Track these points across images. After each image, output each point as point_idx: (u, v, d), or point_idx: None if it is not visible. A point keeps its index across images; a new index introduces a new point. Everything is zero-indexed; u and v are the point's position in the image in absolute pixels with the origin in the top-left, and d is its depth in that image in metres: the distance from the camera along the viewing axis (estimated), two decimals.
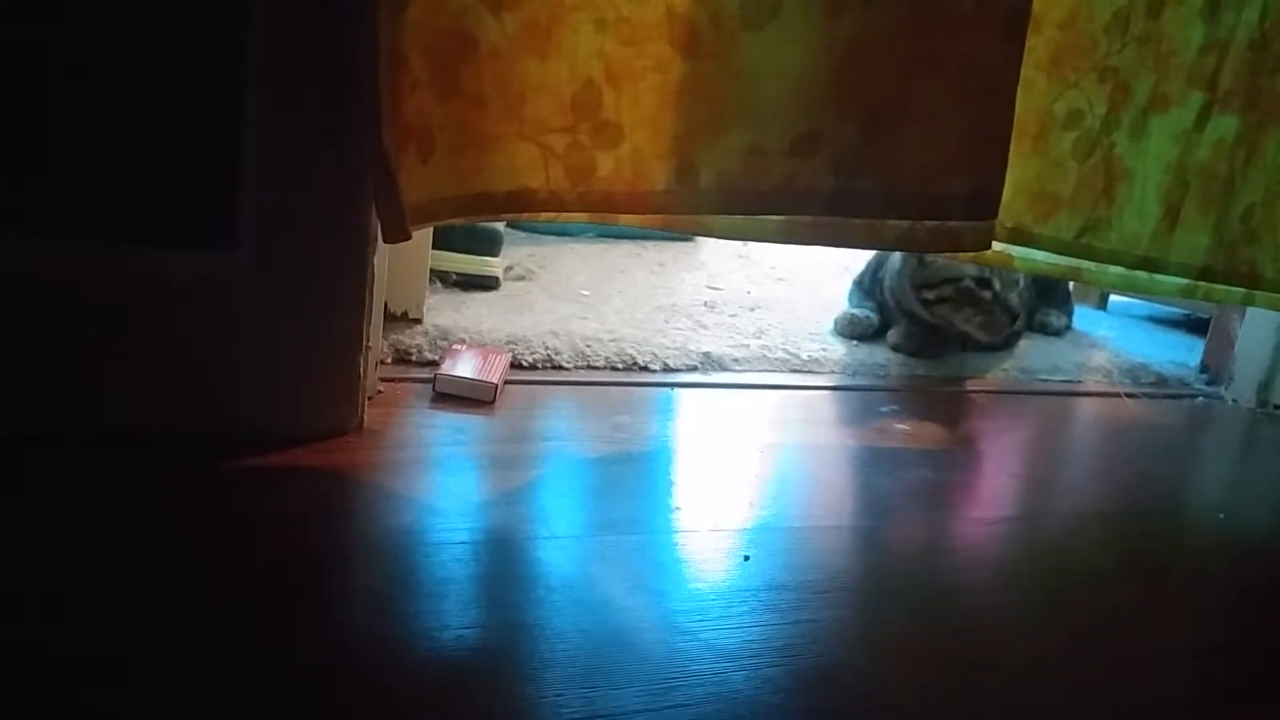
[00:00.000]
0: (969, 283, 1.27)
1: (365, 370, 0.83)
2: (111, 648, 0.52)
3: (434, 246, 1.22)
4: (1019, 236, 0.99)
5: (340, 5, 0.72)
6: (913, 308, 1.34)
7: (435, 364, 1.03)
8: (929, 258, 1.31)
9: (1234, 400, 1.39)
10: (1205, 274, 1.09)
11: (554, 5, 0.73)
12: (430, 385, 0.99)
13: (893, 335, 1.39)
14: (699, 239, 2.05)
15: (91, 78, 0.72)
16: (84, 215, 0.74)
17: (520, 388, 1.05)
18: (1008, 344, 1.45)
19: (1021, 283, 1.31)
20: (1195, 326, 1.77)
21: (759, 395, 1.17)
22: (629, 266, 1.76)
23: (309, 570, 0.63)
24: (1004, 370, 1.37)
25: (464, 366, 1.00)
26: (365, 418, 0.85)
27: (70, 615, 0.54)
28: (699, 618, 0.62)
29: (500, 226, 1.43)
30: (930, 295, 1.31)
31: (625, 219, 0.83)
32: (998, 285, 1.27)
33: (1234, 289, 1.14)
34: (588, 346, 1.16)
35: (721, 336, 1.32)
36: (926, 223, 0.83)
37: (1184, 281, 1.11)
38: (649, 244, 1.99)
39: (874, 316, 1.42)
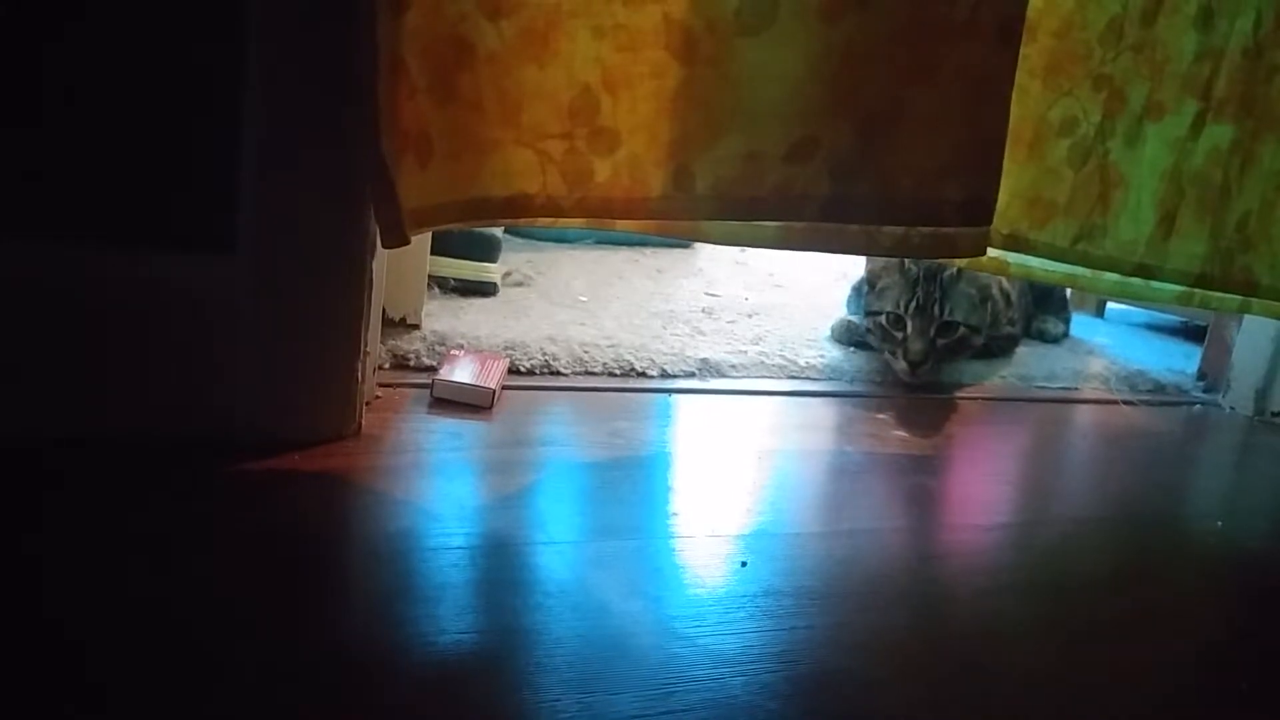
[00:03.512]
0: (883, 319, 1.30)
1: (363, 375, 0.83)
2: (110, 648, 0.52)
3: (432, 252, 1.23)
4: (1015, 243, 0.99)
5: (339, 10, 0.72)
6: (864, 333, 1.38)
7: (433, 369, 1.03)
8: (879, 285, 1.33)
9: (1231, 408, 1.39)
10: (1201, 281, 1.09)
11: (551, 12, 0.73)
12: (428, 390, 0.99)
13: None
14: (697, 245, 2.05)
15: (91, 83, 0.72)
16: (83, 219, 0.74)
17: (518, 393, 1.05)
18: (1004, 353, 1.46)
19: (961, 329, 1.30)
20: (1192, 334, 1.77)
21: (756, 401, 1.17)
22: (626, 272, 1.76)
23: (306, 574, 0.63)
24: (1001, 377, 1.37)
25: (462, 372, 1.00)
26: (363, 422, 0.85)
27: (70, 617, 0.54)
28: (696, 623, 0.62)
29: (498, 232, 1.43)
30: (867, 324, 1.35)
31: (622, 224, 0.84)
32: (909, 327, 1.27)
33: (1230, 296, 1.14)
34: (585, 352, 1.16)
35: (719, 342, 1.32)
36: (922, 229, 0.83)
37: (1180, 288, 1.11)
38: (646, 250, 1.99)
39: None
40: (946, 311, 1.28)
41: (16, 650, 0.51)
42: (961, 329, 1.30)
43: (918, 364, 1.26)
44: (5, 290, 0.72)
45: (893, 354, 1.30)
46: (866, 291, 1.36)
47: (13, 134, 0.72)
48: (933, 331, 1.27)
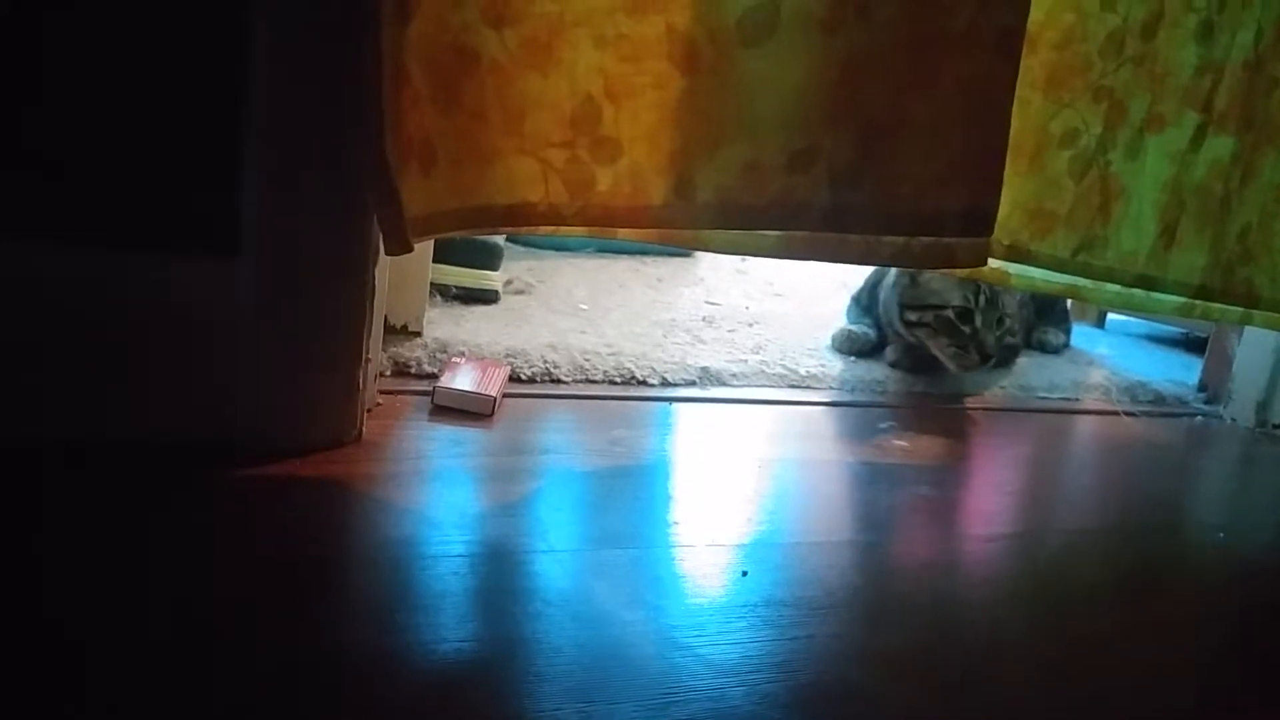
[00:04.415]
0: (949, 313, 1.29)
1: (364, 382, 0.83)
2: (109, 656, 0.52)
3: (434, 260, 1.23)
4: (1016, 254, 0.99)
5: (343, 18, 0.72)
6: (896, 326, 1.36)
7: (434, 377, 1.03)
8: (922, 280, 1.32)
9: (1232, 419, 1.39)
10: (1202, 293, 1.09)
11: (554, 22, 0.74)
12: (429, 398, 0.99)
13: (890, 351, 1.39)
14: (697, 254, 2.06)
15: (95, 88, 0.72)
16: (85, 224, 0.74)
17: (518, 401, 1.05)
18: (1005, 362, 1.46)
19: (1006, 320, 1.31)
20: (1193, 345, 1.77)
21: (757, 410, 1.17)
22: (627, 281, 1.76)
23: (306, 581, 0.63)
24: (1002, 387, 1.37)
25: (463, 379, 1.00)
26: (364, 429, 0.85)
27: (69, 622, 0.54)
28: (697, 633, 0.62)
29: (500, 240, 1.44)
30: (913, 317, 1.33)
31: (624, 233, 0.84)
32: (978, 321, 1.27)
33: (1231, 308, 1.14)
34: (586, 360, 1.16)
35: (720, 351, 1.32)
36: (922, 239, 0.83)
37: (1181, 300, 1.11)
38: (647, 259, 1.99)
39: (872, 333, 1.42)
40: (1002, 305, 1.29)
41: (18, 649, 0.51)
42: (1009, 321, 1.31)
43: (991, 356, 1.28)
44: (6, 292, 0.72)
45: (960, 348, 1.28)
46: (909, 285, 1.34)
47: (16, 137, 0.72)
48: (995, 324, 1.28)
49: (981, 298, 1.28)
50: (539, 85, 0.75)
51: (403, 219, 0.70)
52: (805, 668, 0.60)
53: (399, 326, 1.14)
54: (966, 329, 1.28)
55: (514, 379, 1.09)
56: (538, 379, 1.11)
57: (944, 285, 1.30)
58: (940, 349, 1.30)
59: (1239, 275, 1.09)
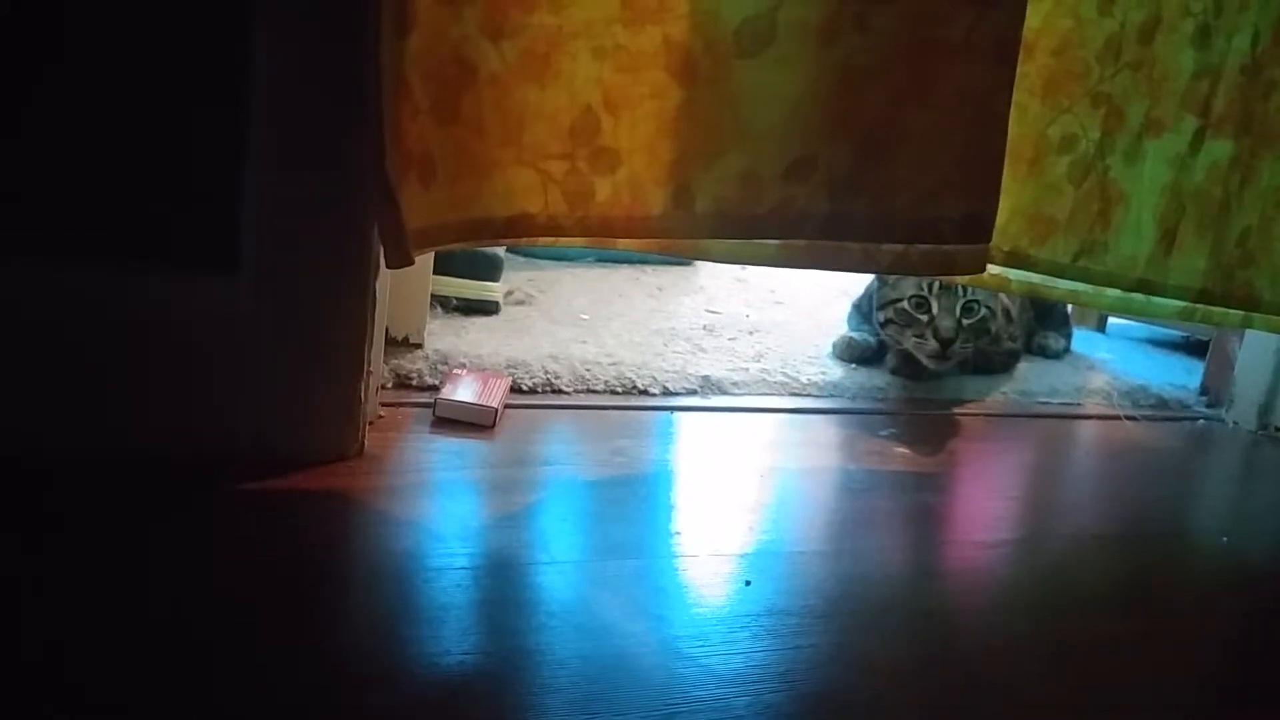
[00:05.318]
0: (905, 304, 1.29)
1: (366, 394, 0.83)
2: (110, 666, 0.52)
3: (434, 271, 1.23)
4: (1015, 259, 0.99)
5: (344, 30, 0.73)
6: (878, 330, 1.36)
7: (435, 388, 1.03)
8: (891, 280, 1.32)
9: (1234, 423, 1.39)
10: (1203, 296, 1.09)
11: (552, 33, 0.74)
12: (430, 410, 0.99)
13: (891, 358, 1.39)
14: (697, 263, 2.06)
15: (95, 103, 0.73)
16: (86, 238, 0.74)
17: (520, 412, 1.05)
18: (1006, 367, 1.46)
19: (982, 309, 1.30)
20: (1194, 349, 1.77)
21: (758, 418, 1.17)
22: (628, 290, 1.76)
23: (309, 594, 0.63)
24: (1003, 393, 1.37)
25: (464, 391, 1.01)
26: (365, 442, 0.85)
27: (73, 633, 0.54)
28: (700, 643, 0.62)
29: (500, 251, 1.44)
30: (881, 317, 1.34)
31: (623, 243, 0.84)
32: (934, 308, 1.27)
33: (1232, 311, 1.14)
34: (587, 370, 1.16)
35: (720, 360, 1.32)
36: (921, 246, 0.83)
37: (1182, 304, 1.11)
38: (647, 268, 1.99)
39: (872, 340, 1.42)
40: (970, 291, 1.28)
41: (19, 654, 0.51)
42: (983, 309, 1.30)
43: (949, 341, 1.26)
44: (7, 309, 0.72)
45: (919, 337, 1.28)
46: (880, 287, 1.35)
47: (14, 151, 0.72)
48: (958, 310, 1.28)
49: (937, 284, 1.28)
50: (537, 97, 0.75)
51: (403, 231, 0.70)
52: (809, 677, 0.60)
53: (400, 339, 1.14)
54: (924, 316, 1.28)
55: (515, 390, 1.09)
56: (539, 390, 1.11)
57: (905, 280, 1.30)
58: (907, 341, 1.31)
59: (1239, 279, 1.09)
